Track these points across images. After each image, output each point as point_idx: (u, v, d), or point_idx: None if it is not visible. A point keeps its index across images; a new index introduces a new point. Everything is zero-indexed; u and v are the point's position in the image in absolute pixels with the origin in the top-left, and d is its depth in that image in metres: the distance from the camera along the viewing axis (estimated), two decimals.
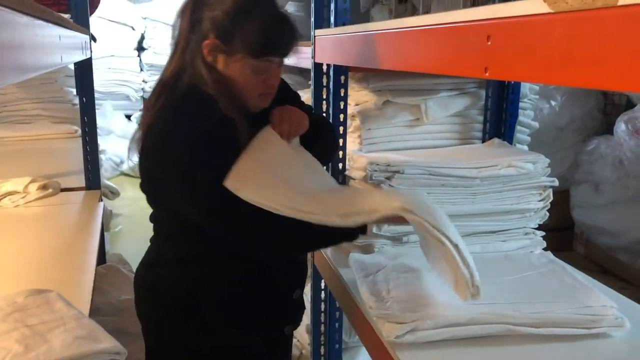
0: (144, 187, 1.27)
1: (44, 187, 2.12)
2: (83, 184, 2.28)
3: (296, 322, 1.44)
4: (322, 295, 1.94)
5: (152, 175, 1.24)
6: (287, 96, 1.42)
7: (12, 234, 1.77)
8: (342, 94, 1.76)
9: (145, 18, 6.26)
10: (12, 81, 0.60)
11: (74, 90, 3.34)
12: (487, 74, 0.70)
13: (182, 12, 1.24)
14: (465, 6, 1.98)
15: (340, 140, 1.79)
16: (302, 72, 3.57)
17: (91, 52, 2.17)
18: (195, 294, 1.28)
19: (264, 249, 1.25)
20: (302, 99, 2.37)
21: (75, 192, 2.22)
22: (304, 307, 1.47)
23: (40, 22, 0.85)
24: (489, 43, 0.69)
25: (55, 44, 1.04)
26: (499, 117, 1.83)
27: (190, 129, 1.16)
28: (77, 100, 3.28)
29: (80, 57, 1.71)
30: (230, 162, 1.15)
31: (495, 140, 1.78)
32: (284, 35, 1.23)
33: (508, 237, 1.56)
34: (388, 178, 1.50)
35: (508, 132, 1.85)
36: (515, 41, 0.65)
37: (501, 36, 0.68)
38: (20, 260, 1.56)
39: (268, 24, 1.20)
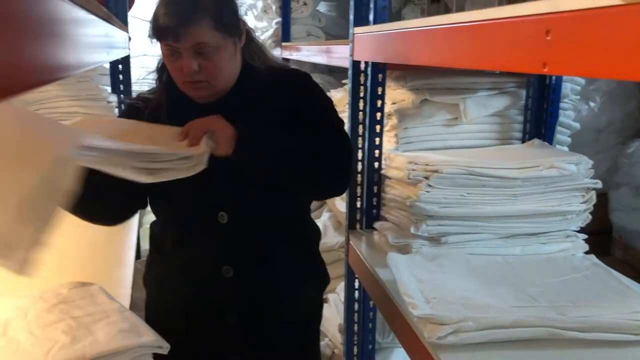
0: None
1: None
2: None
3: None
4: (356, 294, 1.93)
5: None
6: (306, 96, 1.36)
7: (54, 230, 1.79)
8: (379, 93, 1.75)
9: None
10: (69, 74, 0.60)
11: (109, 88, 3.39)
12: (545, 70, 0.68)
13: None
14: (500, 4, 1.95)
15: (377, 139, 1.78)
16: (331, 71, 3.56)
17: (129, 50, 2.20)
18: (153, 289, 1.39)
19: None
20: (335, 97, 2.38)
21: None
22: (254, 333, 1.38)
23: (93, 17, 0.85)
24: (548, 38, 0.68)
25: (103, 41, 1.06)
26: (539, 117, 1.79)
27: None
28: (111, 98, 3.34)
29: (121, 54, 1.73)
30: None
31: (536, 140, 1.75)
32: (167, 19, 1.19)
33: (549, 240, 1.53)
34: (427, 178, 1.48)
35: (548, 133, 1.81)
36: (577, 35, 0.63)
37: (561, 30, 0.66)
38: (61, 254, 1.58)
39: (157, 8, 1.22)
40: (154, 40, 1.24)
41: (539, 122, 1.79)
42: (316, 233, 1.53)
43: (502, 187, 1.49)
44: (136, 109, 1.31)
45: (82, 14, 0.72)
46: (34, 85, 0.49)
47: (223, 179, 1.24)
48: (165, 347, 1.02)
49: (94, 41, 0.92)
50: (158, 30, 1.21)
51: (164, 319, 1.28)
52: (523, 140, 1.82)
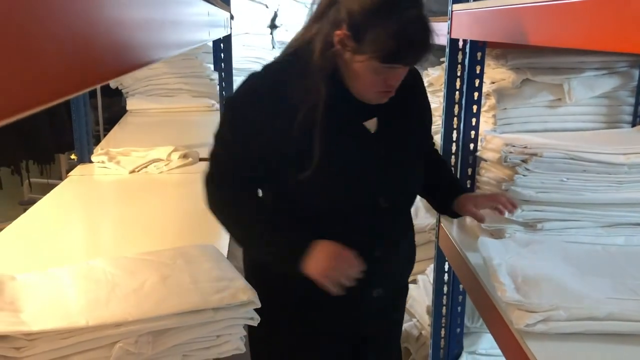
0: None
1: (184, 156, 2.26)
2: None
3: (380, 326, 1.45)
4: (446, 277, 1.91)
5: None
6: (415, 93, 1.37)
7: (157, 198, 1.92)
8: (477, 71, 1.70)
9: None
10: (173, 53, 0.64)
11: (212, 66, 3.52)
12: None
13: None
14: None
15: (473, 120, 1.73)
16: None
17: (231, 29, 2.27)
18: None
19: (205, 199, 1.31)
20: (432, 76, 2.34)
21: None
22: (397, 317, 1.49)
23: None
24: None
25: (204, 20, 1.10)
26: None
27: (242, 95, 1.24)
28: (214, 76, 3.47)
29: (222, 33, 1.79)
30: (236, 143, 1.23)
31: None
32: (417, 47, 1.15)
33: None
34: (524, 161, 1.43)
35: None
36: None
37: None
38: (164, 222, 1.69)
39: (403, 33, 1.11)
40: (358, 52, 1.15)
41: None
42: None
43: (606, 173, 1.41)
44: (269, 84, 1.24)
45: None
46: (141, 64, 0.53)
47: (383, 169, 1.29)
48: (256, 319, 1.07)
49: (195, 21, 0.96)
50: (402, 56, 1.14)
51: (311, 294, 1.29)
52: (633, 124, 1.71)
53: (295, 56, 1.24)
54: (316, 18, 1.22)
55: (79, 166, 2.27)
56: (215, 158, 1.30)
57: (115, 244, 1.54)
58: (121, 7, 0.48)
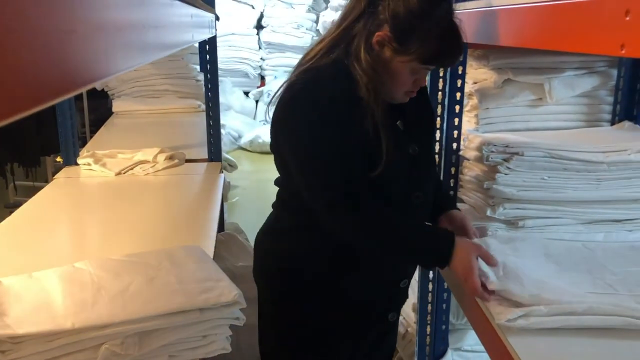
0: (272, 147, 1.30)
1: (171, 158, 2.27)
2: (205, 156, 2.41)
3: (398, 310, 1.48)
4: (431, 275, 1.94)
5: (278, 134, 1.26)
6: (424, 93, 1.41)
7: (143, 200, 1.92)
8: (459, 72, 1.72)
9: None
10: (156, 57, 0.65)
11: (198, 67, 3.52)
12: (623, 52, 0.66)
13: None
14: None
15: (456, 120, 1.75)
16: None
17: (216, 30, 2.28)
18: (301, 263, 1.33)
19: (341, 230, 1.24)
20: None
21: (199, 163, 2.36)
22: (407, 296, 1.50)
23: (178, 1, 0.91)
24: (628, 18, 0.65)
25: (188, 23, 1.11)
26: (631, 98, 1.70)
27: (321, 98, 1.18)
28: (200, 77, 3.47)
29: (207, 35, 1.80)
30: (345, 142, 1.17)
31: (626, 123, 1.67)
32: (457, 49, 1.20)
33: (635, 227, 1.47)
34: (506, 160, 1.46)
35: None
36: None
37: None
38: (150, 224, 1.69)
39: (445, 37, 1.17)
40: (400, 53, 1.17)
41: (631, 104, 1.70)
42: None
43: (586, 171, 1.43)
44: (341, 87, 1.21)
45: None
46: (123, 68, 0.54)
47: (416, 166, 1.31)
48: (241, 319, 1.08)
49: (179, 23, 0.97)
50: (444, 59, 1.23)
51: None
52: (612, 123, 1.74)
53: (335, 59, 1.22)
54: (351, 20, 1.22)
55: (64, 168, 2.27)
56: (330, 177, 1.19)
57: (102, 246, 1.54)
58: (103, 10, 0.49)
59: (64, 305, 0.99)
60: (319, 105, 1.17)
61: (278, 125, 1.26)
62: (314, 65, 1.23)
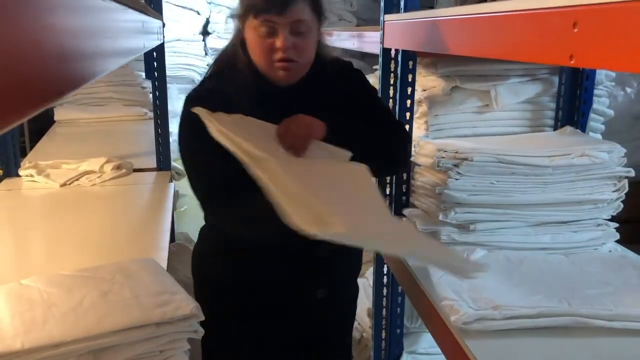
0: None
1: (118, 167, 2.21)
2: (154, 165, 2.36)
3: (330, 286, 1.42)
4: (385, 279, 1.96)
5: None
6: (358, 88, 1.41)
7: (90, 211, 1.86)
8: (409, 80, 1.75)
9: (210, 2, 6.37)
10: (111, 68, 0.63)
11: (143, 74, 3.45)
12: (572, 62, 0.69)
13: None
14: None
15: (407, 126, 1.78)
16: (364, 56, 3.55)
17: (163, 37, 2.24)
18: (209, 255, 1.43)
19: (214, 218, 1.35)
20: None
21: (147, 172, 2.31)
22: (339, 271, 1.46)
23: (130, 9, 0.89)
24: (576, 30, 0.68)
25: (139, 31, 1.09)
26: (572, 104, 1.77)
27: (186, 112, 1.27)
28: (146, 84, 3.40)
29: (156, 42, 1.77)
30: (200, 151, 1.25)
31: (568, 128, 1.73)
32: None
33: (580, 228, 1.53)
34: (456, 165, 1.49)
35: (581, 120, 1.79)
36: (605, 28, 0.64)
37: (589, 23, 0.66)
38: (98, 236, 1.64)
39: None
40: (243, 17, 1.25)
41: (572, 110, 1.77)
42: None
43: (532, 175, 1.48)
44: (203, 100, 1.25)
45: (119, 8, 0.75)
46: (81, 82, 0.53)
47: None
48: (200, 332, 1.06)
49: (132, 30, 0.95)
50: (262, 4, 1.21)
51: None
52: (555, 128, 1.80)
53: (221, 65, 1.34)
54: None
55: (5, 180, 2.18)
56: (200, 183, 1.30)
57: (49, 261, 1.49)
58: (56, 20, 0.48)
59: (12, 325, 0.95)
60: (185, 118, 1.29)
61: None
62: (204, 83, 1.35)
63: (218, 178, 1.25)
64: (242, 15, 1.26)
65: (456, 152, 1.50)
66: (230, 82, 1.29)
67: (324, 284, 1.40)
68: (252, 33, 1.24)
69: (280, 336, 1.41)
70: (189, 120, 1.25)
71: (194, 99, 1.29)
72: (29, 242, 1.69)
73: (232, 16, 1.30)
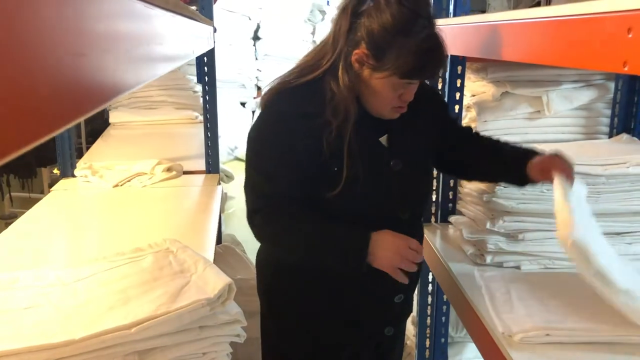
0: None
1: (168, 170, 2.26)
2: (203, 168, 2.40)
3: (397, 324, 1.45)
4: (430, 288, 1.93)
5: None
6: (434, 103, 1.42)
7: (141, 212, 1.91)
8: (458, 85, 1.73)
9: (261, 8, 6.46)
10: (161, 73, 0.65)
11: (195, 78, 3.52)
12: (625, 69, 0.66)
13: (343, 9, 1.22)
14: None
15: None
16: None
17: (214, 42, 2.28)
18: (287, 281, 1.37)
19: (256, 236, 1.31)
20: None
21: (196, 175, 2.35)
22: (409, 310, 1.49)
23: (179, 16, 0.91)
24: (630, 36, 0.66)
25: (188, 37, 1.11)
26: (628, 111, 1.71)
27: (276, 106, 1.24)
28: (197, 88, 3.47)
29: (206, 47, 1.80)
30: (280, 160, 1.23)
31: (624, 135, 1.67)
32: (435, 62, 1.21)
33: (634, 240, 1.47)
34: None
35: (638, 128, 1.73)
36: None
37: None
38: (148, 237, 1.68)
39: (422, 50, 1.16)
40: (377, 68, 1.19)
41: (628, 116, 1.71)
42: None
43: (585, 184, 1.43)
44: (298, 97, 1.26)
45: (168, 15, 0.77)
46: (132, 85, 0.54)
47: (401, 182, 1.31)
48: (242, 337, 1.07)
49: (182, 36, 0.98)
50: (422, 71, 1.21)
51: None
52: (610, 136, 1.75)
53: (309, 76, 1.25)
54: (333, 40, 1.24)
55: (61, 180, 2.26)
56: (258, 190, 1.27)
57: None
58: (109, 28, 0.49)
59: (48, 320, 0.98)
60: (265, 130, 1.26)
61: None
62: (293, 83, 1.26)
63: (286, 186, 1.24)
64: (377, 68, 1.19)
65: None
66: (349, 113, 1.23)
67: (393, 324, 1.42)
68: (383, 85, 1.20)
69: (356, 336, 1.41)
70: (278, 114, 1.25)
71: (289, 94, 1.26)
72: (83, 239, 1.75)
73: (350, 54, 1.20)
